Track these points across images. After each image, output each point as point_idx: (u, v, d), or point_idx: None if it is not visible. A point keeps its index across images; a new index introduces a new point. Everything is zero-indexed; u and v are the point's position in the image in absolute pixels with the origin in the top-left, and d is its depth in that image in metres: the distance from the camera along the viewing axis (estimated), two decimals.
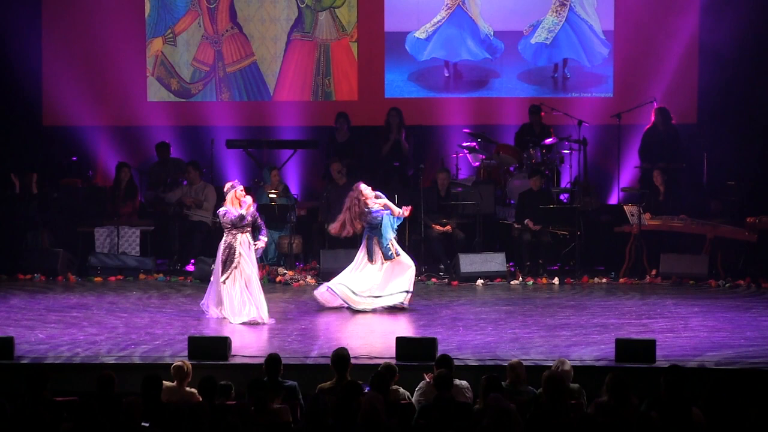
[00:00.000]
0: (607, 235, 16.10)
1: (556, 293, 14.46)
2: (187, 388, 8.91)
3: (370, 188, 13.31)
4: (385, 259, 13.13)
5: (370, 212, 13.14)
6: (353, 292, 13.11)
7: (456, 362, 9.14)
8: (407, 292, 13.11)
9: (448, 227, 15.72)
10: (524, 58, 18.08)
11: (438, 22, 18.15)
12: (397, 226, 13.32)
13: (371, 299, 13.11)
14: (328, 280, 15.17)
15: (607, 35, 18.01)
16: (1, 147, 17.38)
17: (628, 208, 15.56)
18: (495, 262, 15.35)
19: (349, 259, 15.44)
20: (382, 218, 13.13)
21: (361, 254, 13.26)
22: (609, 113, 17.20)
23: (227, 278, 12.39)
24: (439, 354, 9.61)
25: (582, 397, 8.71)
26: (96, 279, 15.45)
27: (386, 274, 13.16)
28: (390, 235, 13.18)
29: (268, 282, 15.08)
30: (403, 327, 12.25)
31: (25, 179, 16.50)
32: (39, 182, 16.64)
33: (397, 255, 13.16)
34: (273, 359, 9.03)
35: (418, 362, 10.00)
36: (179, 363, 9.02)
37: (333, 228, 13.56)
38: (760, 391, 8.80)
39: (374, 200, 13.23)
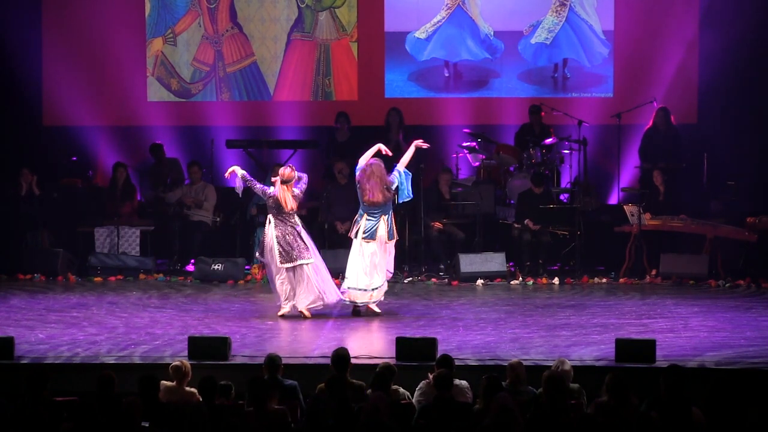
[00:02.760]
0: (607, 235, 16.10)
1: (556, 293, 14.46)
2: (187, 388, 8.90)
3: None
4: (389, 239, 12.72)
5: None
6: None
7: (456, 362, 9.13)
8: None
9: (438, 224, 15.68)
10: (524, 58, 18.08)
11: (438, 22, 18.15)
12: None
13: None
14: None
15: (607, 35, 18.01)
16: (1, 147, 17.38)
17: (628, 208, 15.56)
18: (495, 262, 15.35)
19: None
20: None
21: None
22: (609, 113, 17.20)
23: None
24: (439, 354, 9.60)
25: (582, 397, 8.71)
26: (96, 279, 15.45)
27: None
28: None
29: (269, 282, 15.07)
30: (403, 327, 12.24)
31: (20, 178, 16.49)
32: (33, 180, 16.57)
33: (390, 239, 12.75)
34: (272, 359, 9.02)
35: (418, 362, 9.99)
36: (177, 363, 9.01)
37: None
38: (760, 391, 8.79)
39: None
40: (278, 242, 12.46)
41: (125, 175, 16.78)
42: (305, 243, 12.58)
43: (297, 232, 12.54)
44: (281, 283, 12.55)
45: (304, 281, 12.51)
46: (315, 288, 12.51)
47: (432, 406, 7.93)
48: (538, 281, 15.16)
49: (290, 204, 12.50)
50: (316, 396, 8.48)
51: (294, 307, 12.55)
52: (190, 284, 15.10)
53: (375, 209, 12.51)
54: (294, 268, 12.49)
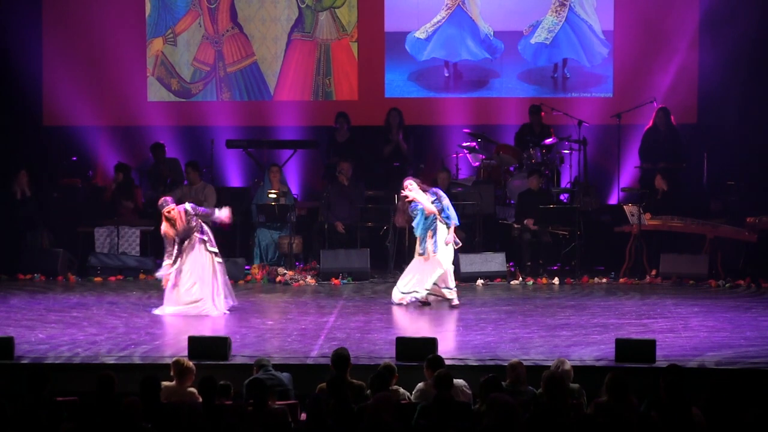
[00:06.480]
0: (607, 235, 16.10)
1: (556, 293, 14.46)
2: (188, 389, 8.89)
3: (416, 183, 13.40)
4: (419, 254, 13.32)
5: (409, 205, 13.36)
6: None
7: (456, 362, 9.14)
8: (415, 292, 13.26)
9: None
10: (524, 58, 18.09)
11: (438, 22, 18.15)
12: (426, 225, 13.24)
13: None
14: (327, 280, 15.23)
15: (607, 35, 18.01)
16: (1, 147, 17.38)
17: (628, 208, 15.56)
18: (495, 262, 15.35)
19: (349, 259, 15.50)
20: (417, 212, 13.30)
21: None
22: (609, 113, 17.21)
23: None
24: (430, 356, 9.50)
25: (582, 397, 8.71)
26: (96, 279, 15.44)
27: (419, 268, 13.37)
28: (419, 232, 13.26)
29: (268, 282, 15.10)
30: (403, 327, 12.25)
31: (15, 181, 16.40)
32: (26, 182, 16.48)
33: (433, 253, 13.19)
34: (259, 360, 9.29)
35: (418, 362, 9.98)
36: (178, 358, 8.98)
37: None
38: (760, 391, 8.80)
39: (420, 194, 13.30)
40: None
41: (126, 176, 16.73)
42: None
43: None
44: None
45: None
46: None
47: (432, 406, 7.93)
48: (538, 281, 15.15)
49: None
50: (316, 396, 8.48)
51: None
52: None
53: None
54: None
